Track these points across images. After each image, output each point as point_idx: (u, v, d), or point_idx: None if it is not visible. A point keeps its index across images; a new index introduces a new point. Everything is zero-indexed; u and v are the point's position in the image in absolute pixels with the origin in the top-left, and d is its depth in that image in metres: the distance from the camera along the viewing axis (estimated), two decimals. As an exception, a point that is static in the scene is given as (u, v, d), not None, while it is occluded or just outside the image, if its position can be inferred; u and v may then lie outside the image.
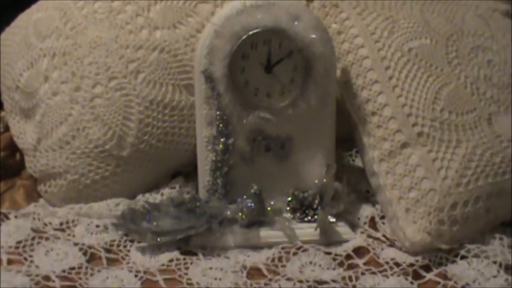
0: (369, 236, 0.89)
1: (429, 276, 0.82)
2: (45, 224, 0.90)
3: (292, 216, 0.91)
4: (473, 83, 0.91)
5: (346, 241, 0.88)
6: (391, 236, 0.88)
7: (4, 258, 0.82)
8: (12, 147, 1.06)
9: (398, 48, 0.91)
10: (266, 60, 0.87)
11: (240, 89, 0.87)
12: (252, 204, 0.88)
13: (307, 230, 0.89)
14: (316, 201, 0.90)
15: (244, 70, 0.87)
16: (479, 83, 0.92)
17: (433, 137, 0.86)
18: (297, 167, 0.91)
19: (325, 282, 0.80)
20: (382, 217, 0.91)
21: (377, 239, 0.89)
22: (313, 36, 0.85)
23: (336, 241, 0.88)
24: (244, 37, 0.85)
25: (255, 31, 0.85)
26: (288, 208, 0.91)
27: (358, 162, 1.02)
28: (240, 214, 0.88)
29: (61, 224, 0.91)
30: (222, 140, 0.90)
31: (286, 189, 0.91)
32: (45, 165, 0.99)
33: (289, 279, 0.81)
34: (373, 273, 0.82)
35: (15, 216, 0.92)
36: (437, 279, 0.81)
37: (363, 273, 0.82)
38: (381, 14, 0.95)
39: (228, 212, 0.88)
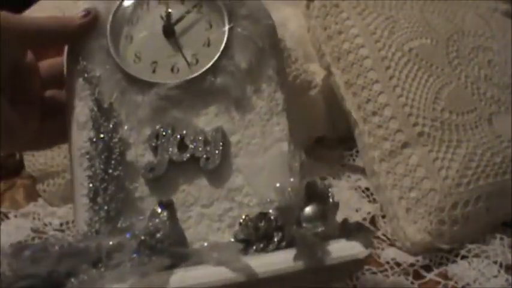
0: (370, 236, 0.89)
1: (430, 276, 0.82)
2: (45, 224, 0.90)
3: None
4: (474, 83, 0.91)
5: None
6: (391, 236, 0.88)
7: (4, 258, 0.82)
8: (12, 147, 1.06)
9: (398, 48, 0.91)
10: (165, 20, 0.61)
11: (129, 65, 0.60)
12: (157, 221, 0.52)
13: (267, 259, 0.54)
14: (276, 227, 0.55)
15: (133, 39, 0.61)
16: (479, 83, 0.92)
17: (434, 137, 0.86)
18: (242, 178, 0.58)
19: (326, 282, 0.81)
20: (383, 216, 0.91)
21: (377, 237, 0.89)
22: None
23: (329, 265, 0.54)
24: None
25: None
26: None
27: (359, 162, 1.02)
28: (131, 243, 0.51)
29: (61, 224, 0.91)
30: (102, 137, 0.58)
31: (227, 221, 0.58)
32: (44, 164, 0.99)
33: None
34: (374, 273, 0.82)
35: (15, 216, 0.91)
36: (438, 279, 0.81)
37: (363, 273, 0.82)
38: (382, 14, 0.95)
39: (110, 243, 0.52)
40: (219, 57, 0.59)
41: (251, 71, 0.59)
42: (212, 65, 0.58)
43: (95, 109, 0.58)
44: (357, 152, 1.02)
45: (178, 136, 0.58)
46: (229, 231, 0.57)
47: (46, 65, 0.64)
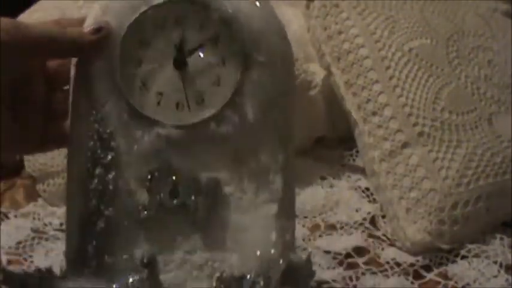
0: (370, 235, 0.89)
1: (430, 276, 0.82)
2: (45, 225, 0.90)
3: None
4: (474, 83, 0.91)
5: None
6: (391, 236, 0.88)
7: (4, 258, 0.82)
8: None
9: (398, 48, 0.91)
10: (177, 49, 0.56)
11: (134, 93, 0.56)
12: (137, 278, 0.52)
13: None
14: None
15: (141, 63, 0.56)
16: (479, 83, 0.92)
17: (434, 137, 0.86)
18: (227, 232, 0.57)
19: (326, 282, 0.80)
20: (383, 216, 0.91)
21: (377, 237, 0.89)
22: (254, 5, 0.56)
23: None
24: (142, 11, 0.55)
25: (160, 1, 0.55)
26: None
27: (359, 162, 1.02)
28: None
29: (61, 224, 0.91)
30: (97, 171, 0.56)
31: (207, 271, 0.57)
32: (44, 164, 0.99)
33: (290, 279, 0.81)
34: (374, 273, 0.82)
35: (15, 216, 0.91)
36: (438, 279, 0.81)
37: (363, 273, 0.82)
38: (382, 14, 0.95)
39: None
40: (225, 104, 0.56)
41: (257, 122, 0.57)
42: (218, 111, 0.56)
43: (95, 137, 0.56)
44: (357, 152, 1.02)
45: (172, 180, 0.56)
46: (207, 281, 0.56)
47: (56, 63, 0.60)
